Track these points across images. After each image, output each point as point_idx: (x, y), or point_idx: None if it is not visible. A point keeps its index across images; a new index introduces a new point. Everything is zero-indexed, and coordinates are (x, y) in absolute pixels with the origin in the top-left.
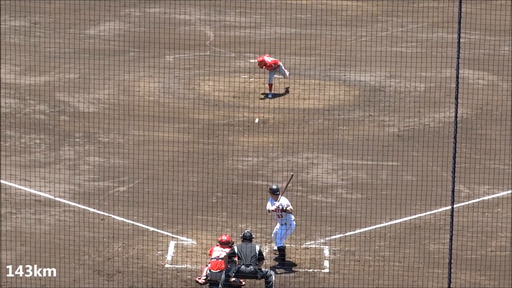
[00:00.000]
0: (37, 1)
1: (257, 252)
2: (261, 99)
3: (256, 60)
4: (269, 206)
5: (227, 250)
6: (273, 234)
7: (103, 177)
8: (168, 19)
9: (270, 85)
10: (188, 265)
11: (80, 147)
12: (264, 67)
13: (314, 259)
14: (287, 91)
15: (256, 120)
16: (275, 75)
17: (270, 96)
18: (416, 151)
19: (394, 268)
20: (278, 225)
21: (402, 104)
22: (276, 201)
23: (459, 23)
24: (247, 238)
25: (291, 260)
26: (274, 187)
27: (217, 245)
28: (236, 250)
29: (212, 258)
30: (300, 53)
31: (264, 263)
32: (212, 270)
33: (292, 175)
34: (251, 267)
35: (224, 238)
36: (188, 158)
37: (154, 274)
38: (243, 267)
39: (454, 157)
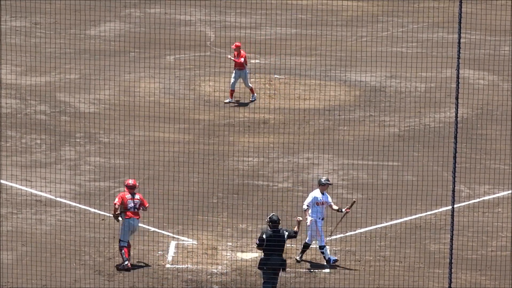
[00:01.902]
0: (37, 1)
1: (286, 238)
2: (251, 101)
3: (233, 47)
4: (305, 204)
5: (138, 197)
6: (313, 232)
7: (103, 177)
8: (169, 19)
9: (251, 89)
10: (189, 265)
11: (80, 147)
12: (238, 58)
13: (315, 259)
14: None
15: None
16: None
17: (253, 98)
18: (417, 151)
19: (394, 268)
20: (315, 223)
21: (403, 104)
22: (322, 193)
23: (460, 23)
24: (275, 222)
25: (295, 258)
26: (323, 179)
27: (125, 192)
28: (264, 237)
29: (128, 209)
30: (300, 54)
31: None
32: (134, 218)
33: (354, 201)
34: (280, 258)
35: (131, 182)
36: (188, 159)
37: (155, 274)
38: (275, 257)
39: (455, 157)
